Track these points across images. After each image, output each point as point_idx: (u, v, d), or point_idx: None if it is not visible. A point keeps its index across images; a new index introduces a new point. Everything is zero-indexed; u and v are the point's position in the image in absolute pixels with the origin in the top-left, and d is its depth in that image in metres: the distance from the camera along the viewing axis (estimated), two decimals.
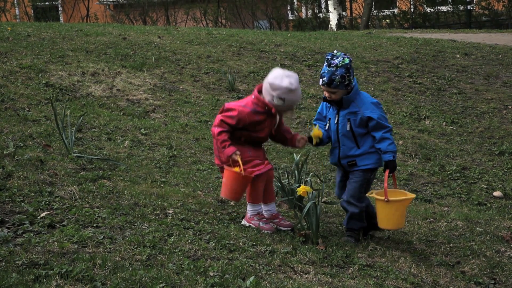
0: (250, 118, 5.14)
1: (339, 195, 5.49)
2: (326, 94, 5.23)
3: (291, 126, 9.02)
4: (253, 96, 5.20)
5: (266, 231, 5.21)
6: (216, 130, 5.13)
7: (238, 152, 5.08)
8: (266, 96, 5.14)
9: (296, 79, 5.13)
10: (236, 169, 5.05)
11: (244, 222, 5.34)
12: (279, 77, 5.09)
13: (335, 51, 5.22)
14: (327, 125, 5.33)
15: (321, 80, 5.17)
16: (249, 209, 5.31)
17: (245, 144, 5.21)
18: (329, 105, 5.34)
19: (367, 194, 5.30)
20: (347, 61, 5.12)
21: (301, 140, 5.36)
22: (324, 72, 5.14)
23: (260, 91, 5.20)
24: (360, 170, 5.25)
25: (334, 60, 5.11)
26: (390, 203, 5.04)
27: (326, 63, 5.15)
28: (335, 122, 5.26)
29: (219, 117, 5.16)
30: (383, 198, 5.05)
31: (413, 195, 5.22)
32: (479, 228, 6.12)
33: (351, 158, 5.25)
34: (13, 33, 11.61)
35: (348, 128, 5.21)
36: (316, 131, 5.32)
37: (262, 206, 5.35)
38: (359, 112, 5.18)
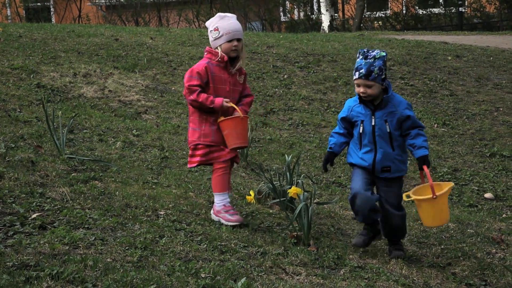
0: (209, 70, 5.18)
1: (365, 190, 5.05)
2: (361, 90, 4.96)
3: (283, 126, 9.04)
4: (205, 53, 5.32)
5: (231, 223, 5.21)
6: (192, 97, 5.15)
7: (227, 100, 5.17)
8: (210, 41, 5.29)
9: (231, 14, 5.34)
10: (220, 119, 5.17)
11: (212, 216, 5.34)
12: (212, 17, 5.37)
13: (366, 49, 5.06)
14: (361, 127, 5.03)
15: (357, 73, 4.94)
16: (217, 200, 5.31)
17: (208, 125, 5.23)
18: (357, 105, 5.08)
19: (404, 199, 5.04)
20: (384, 53, 4.98)
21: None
22: (360, 65, 4.93)
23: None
24: (396, 179, 5.10)
25: (371, 52, 4.96)
26: (438, 199, 4.81)
27: (361, 57, 4.96)
28: (373, 123, 5.01)
29: (185, 87, 5.22)
30: (428, 196, 4.81)
31: (452, 183, 4.99)
32: (470, 229, 6.14)
33: (387, 163, 5.03)
34: (5, 34, 11.59)
35: (387, 130, 4.99)
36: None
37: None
38: (396, 112, 5.00)
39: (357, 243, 5.14)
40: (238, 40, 5.26)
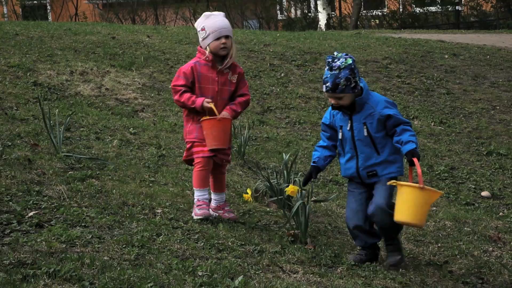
0: (196, 70, 5.17)
1: (355, 222, 4.92)
2: (332, 101, 4.82)
3: (280, 125, 9.03)
4: (197, 52, 5.31)
5: (197, 217, 5.17)
6: (176, 97, 5.20)
7: (209, 100, 5.11)
8: (199, 42, 5.26)
9: (218, 12, 5.27)
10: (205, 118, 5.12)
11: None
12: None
13: (335, 53, 4.82)
14: (340, 133, 4.89)
15: (324, 86, 4.76)
16: (195, 195, 5.31)
17: (194, 123, 5.23)
18: (336, 111, 4.92)
19: (388, 183, 4.71)
20: (350, 61, 4.72)
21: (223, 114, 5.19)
22: (326, 77, 4.73)
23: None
24: (385, 179, 4.82)
25: (336, 62, 4.71)
26: (423, 192, 4.50)
27: (327, 67, 4.74)
28: (348, 128, 4.84)
29: (172, 87, 5.26)
30: (415, 184, 4.52)
31: (441, 192, 4.75)
32: (467, 228, 6.14)
33: (371, 167, 4.85)
34: (1, 32, 11.56)
35: (365, 133, 4.79)
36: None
37: (212, 195, 5.39)
38: (375, 112, 4.78)
39: (354, 259, 4.90)
40: (227, 37, 5.18)
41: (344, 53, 4.80)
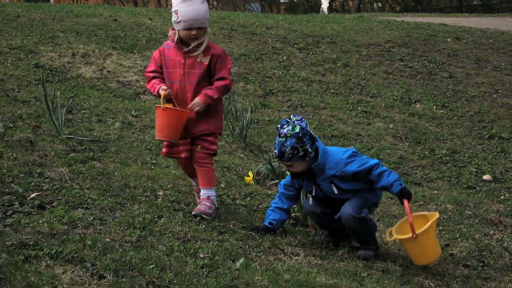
0: (163, 54, 4.89)
1: (312, 208, 4.78)
2: (284, 168, 4.61)
3: (282, 108, 9.02)
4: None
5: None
6: (146, 84, 4.97)
7: (165, 87, 4.74)
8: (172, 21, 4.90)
9: None
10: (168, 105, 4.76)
11: None
12: None
13: (291, 116, 4.57)
14: (311, 193, 4.70)
15: (274, 152, 4.56)
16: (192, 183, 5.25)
17: None
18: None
19: (388, 239, 4.58)
20: (297, 129, 4.47)
21: (194, 105, 4.76)
22: (275, 143, 4.55)
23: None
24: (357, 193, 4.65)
25: (284, 128, 4.49)
26: (419, 238, 4.37)
27: (277, 132, 4.56)
28: (314, 194, 4.68)
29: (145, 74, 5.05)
30: (409, 235, 4.37)
31: (436, 214, 4.53)
32: (468, 211, 6.15)
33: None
34: (3, 14, 11.53)
35: (336, 192, 4.60)
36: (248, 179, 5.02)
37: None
38: (338, 172, 4.54)
39: (317, 240, 4.82)
40: (199, 28, 4.79)
41: (299, 118, 4.55)
